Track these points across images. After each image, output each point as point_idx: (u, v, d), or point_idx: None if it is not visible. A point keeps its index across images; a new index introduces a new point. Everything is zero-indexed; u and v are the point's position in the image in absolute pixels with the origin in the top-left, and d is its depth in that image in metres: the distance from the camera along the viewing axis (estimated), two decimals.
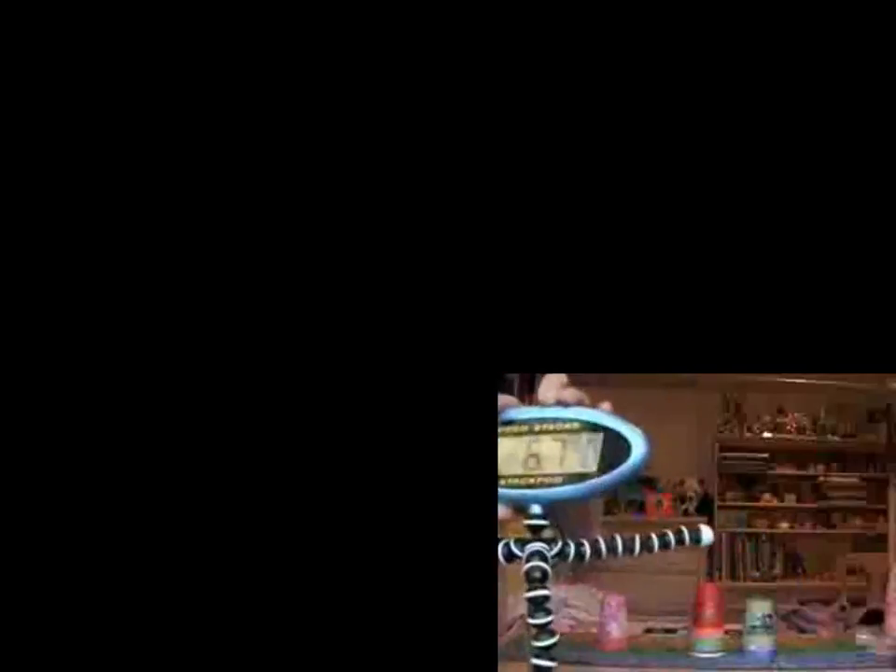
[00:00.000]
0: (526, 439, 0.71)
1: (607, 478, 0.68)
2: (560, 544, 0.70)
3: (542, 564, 0.69)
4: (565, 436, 0.70)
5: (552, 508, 0.70)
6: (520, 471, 0.70)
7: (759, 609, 1.80)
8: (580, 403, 0.71)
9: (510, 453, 0.71)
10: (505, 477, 0.71)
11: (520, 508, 0.70)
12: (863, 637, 1.87)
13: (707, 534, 0.69)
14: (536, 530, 0.70)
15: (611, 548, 0.70)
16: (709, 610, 1.81)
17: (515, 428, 0.72)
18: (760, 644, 1.78)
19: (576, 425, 0.70)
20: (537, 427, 0.71)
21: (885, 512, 4.46)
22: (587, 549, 0.70)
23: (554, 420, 0.70)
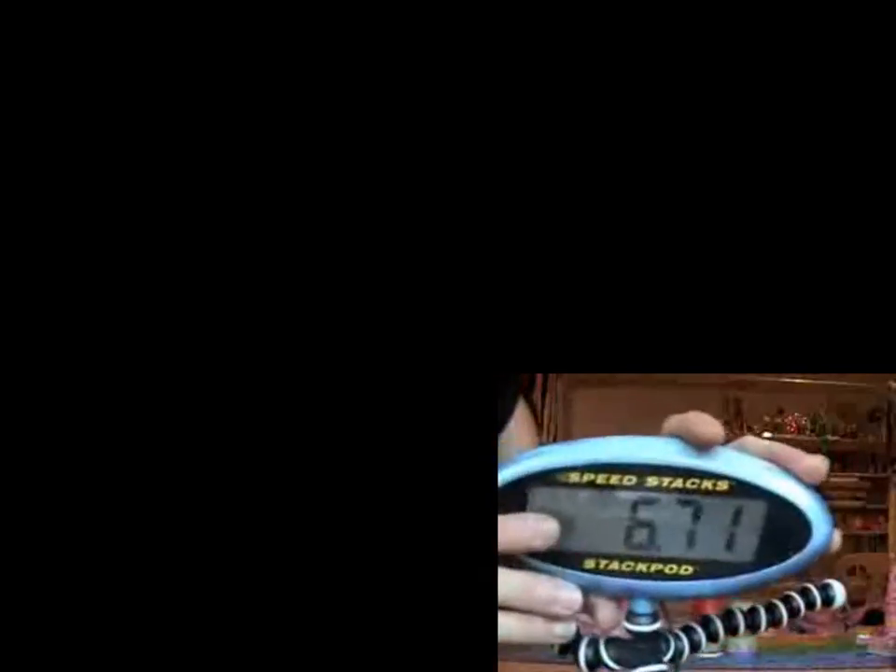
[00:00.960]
0: (632, 496, 0.44)
1: (770, 573, 0.45)
2: (672, 644, 0.48)
3: None
4: (700, 499, 0.44)
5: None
6: (620, 549, 0.45)
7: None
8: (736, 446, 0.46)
9: (602, 516, 0.45)
10: (594, 556, 0.46)
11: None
12: (863, 637, 1.87)
13: (839, 592, 0.49)
14: (641, 635, 0.48)
15: (730, 628, 0.50)
16: (709, 611, 1.81)
17: (615, 477, 0.44)
18: (738, 646, 1.78)
19: (723, 484, 0.44)
20: (651, 480, 0.44)
21: (885, 512, 4.45)
22: (701, 637, 0.49)
23: (685, 471, 0.44)
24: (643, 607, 0.47)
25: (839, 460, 4.74)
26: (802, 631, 2.50)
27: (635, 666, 0.47)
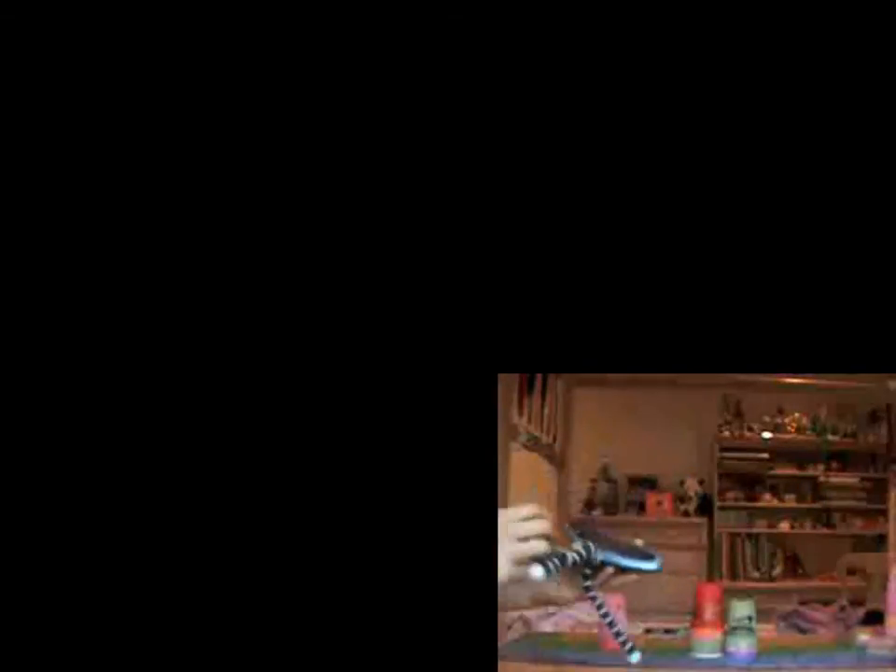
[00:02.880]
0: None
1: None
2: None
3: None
4: None
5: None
6: None
7: (738, 610, 1.78)
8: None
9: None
10: None
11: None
12: (863, 637, 1.86)
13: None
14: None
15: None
16: (709, 611, 1.80)
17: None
18: (738, 646, 1.75)
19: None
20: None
21: (885, 512, 4.45)
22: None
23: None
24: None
25: (839, 460, 4.74)
26: (802, 631, 2.50)
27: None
